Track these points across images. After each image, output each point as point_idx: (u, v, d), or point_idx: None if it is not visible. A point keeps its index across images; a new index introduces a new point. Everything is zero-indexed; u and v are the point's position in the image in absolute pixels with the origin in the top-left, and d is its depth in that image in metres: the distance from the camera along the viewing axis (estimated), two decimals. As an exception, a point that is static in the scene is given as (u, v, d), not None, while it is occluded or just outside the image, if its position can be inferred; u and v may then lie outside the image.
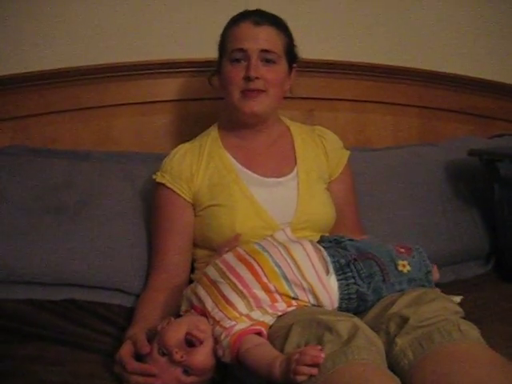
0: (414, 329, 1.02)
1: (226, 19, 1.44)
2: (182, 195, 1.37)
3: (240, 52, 1.34)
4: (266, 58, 1.34)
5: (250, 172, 1.38)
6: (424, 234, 1.67)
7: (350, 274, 1.12)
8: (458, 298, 1.31)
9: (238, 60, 1.35)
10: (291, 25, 1.46)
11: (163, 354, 1.05)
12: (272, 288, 1.08)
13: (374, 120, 1.94)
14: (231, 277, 1.08)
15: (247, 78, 1.32)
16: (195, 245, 1.39)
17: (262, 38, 1.34)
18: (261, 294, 1.07)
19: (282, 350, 1.00)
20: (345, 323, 1.00)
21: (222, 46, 1.41)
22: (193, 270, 1.40)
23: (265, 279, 1.08)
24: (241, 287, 1.07)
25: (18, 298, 1.36)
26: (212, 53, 1.46)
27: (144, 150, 1.74)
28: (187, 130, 1.75)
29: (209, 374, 1.07)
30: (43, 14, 1.71)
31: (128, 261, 1.47)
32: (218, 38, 1.44)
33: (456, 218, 1.73)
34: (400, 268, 1.15)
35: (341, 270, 1.13)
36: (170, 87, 1.76)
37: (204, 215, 1.35)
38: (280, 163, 1.41)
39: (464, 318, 1.08)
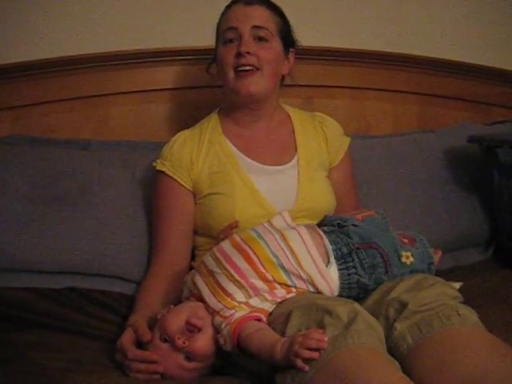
0: (413, 314, 1.02)
1: (223, 6, 1.43)
2: (182, 183, 1.37)
3: (232, 31, 1.34)
4: (259, 36, 1.34)
5: (249, 160, 1.38)
6: (424, 221, 1.67)
7: (351, 263, 1.11)
8: (457, 285, 1.31)
9: (230, 40, 1.35)
10: (289, 12, 1.45)
11: (165, 341, 1.05)
12: (270, 277, 1.08)
13: (373, 107, 1.93)
14: (228, 266, 1.08)
15: (239, 55, 1.32)
16: (195, 232, 1.39)
17: (253, 15, 1.35)
18: (258, 283, 1.07)
19: (282, 335, 1.00)
20: (344, 307, 1.01)
21: (217, 31, 1.41)
22: (193, 257, 1.40)
23: (262, 269, 1.07)
24: (238, 277, 1.07)
25: (19, 287, 1.37)
26: (210, 40, 1.46)
27: (143, 139, 1.74)
28: (186, 118, 1.75)
29: (210, 360, 1.07)
30: (41, 4, 1.71)
31: (128, 249, 1.47)
32: (215, 26, 1.44)
33: (455, 204, 1.73)
34: (403, 260, 1.15)
35: (342, 259, 1.11)
36: (168, 75, 1.76)
37: (204, 203, 1.35)
38: (280, 151, 1.41)
39: (463, 303, 1.09)
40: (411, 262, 1.15)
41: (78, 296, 1.37)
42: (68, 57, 1.67)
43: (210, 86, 1.64)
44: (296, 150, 1.42)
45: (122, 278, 1.45)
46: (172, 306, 1.13)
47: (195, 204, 1.38)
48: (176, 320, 1.05)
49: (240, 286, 1.06)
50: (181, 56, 1.75)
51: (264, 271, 1.07)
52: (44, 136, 1.67)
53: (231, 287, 1.06)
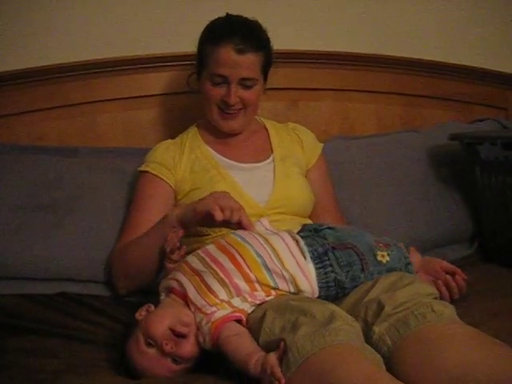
0: (390, 315, 1.04)
1: (211, 13, 1.45)
2: (165, 179, 1.41)
3: (220, 77, 1.37)
4: (245, 84, 1.38)
5: (228, 160, 1.44)
6: (408, 219, 1.70)
7: (327, 262, 1.14)
8: (441, 280, 1.34)
9: (218, 82, 1.38)
10: (273, 16, 1.47)
11: (149, 345, 1.06)
12: (253, 278, 1.10)
13: (357, 108, 1.96)
14: (213, 266, 1.11)
15: (226, 103, 1.38)
16: None
17: (243, 66, 1.36)
18: (241, 284, 1.09)
19: (257, 337, 1.03)
20: (319, 307, 1.03)
21: (201, 58, 1.42)
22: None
23: (246, 269, 1.10)
24: (222, 276, 1.09)
25: (11, 293, 1.38)
26: (196, 47, 1.47)
27: (131, 145, 1.75)
28: (174, 123, 1.77)
29: (196, 359, 1.09)
30: (28, 12, 1.71)
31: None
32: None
33: (439, 202, 1.76)
34: (379, 258, 1.17)
35: (318, 259, 1.14)
36: (155, 82, 1.77)
37: (186, 201, 1.38)
38: (257, 152, 1.47)
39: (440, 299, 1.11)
40: (387, 261, 1.18)
41: (69, 301, 1.38)
42: (54, 65, 1.68)
43: (197, 92, 1.66)
44: (272, 151, 1.47)
45: (113, 284, 1.46)
46: (151, 305, 1.13)
47: (176, 204, 1.40)
48: (159, 326, 1.06)
49: (224, 285, 1.09)
50: (168, 62, 1.77)
51: (248, 271, 1.10)
52: (32, 144, 1.67)
53: (216, 285, 1.09)
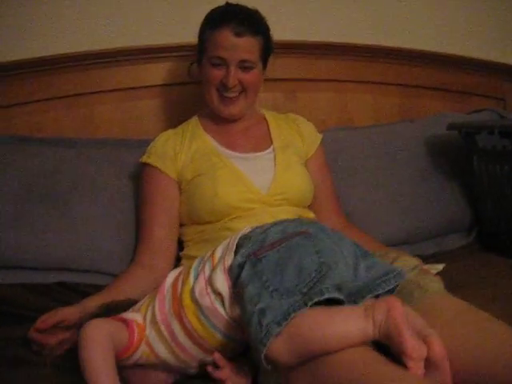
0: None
1: (209, 4, 1.45)
2: (167, 172, 1.41)
3: (219, 59, 1.38)
4: (244, 66, 1.39)
5: (229, 150, 1.44)
6: (406, 209, 1.70)
7: None
8: (440, 266, 1.35)
9: (217, 64, 1.39)
10: (271, 6, 1.47)
11: None
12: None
13: (354, 99, 1.96)
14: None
15: (225, 85, 1.39)
16: (182, 224, 1.41)
17: (241, 48, 1.37)
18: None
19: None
20: None
21: (201, 44, 1.43)
22: (182, 248, 1.42)
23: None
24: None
25: (10, 283, 1.39)
26: (194, 37, 1.47)
27: (128, 136, 1.75)
28: (172, 114, 1.77)
29: None
30: (26, 3, 1.71)
31: (116, 245, 1.49)
32: (199, 23, 1.45)
33: (437, 192, 1.76)
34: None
35: None
36: (152, 72, 1.77)
37: (189, 189, 1.39)
38: (257, 142, 1.48)
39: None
40: None
41: (67, 290, 1.38)
42: (52, 56, 1.68)
43: (195, 83, 1.66)
44: (272, 142, 1.48)
45: (112, 274, 1.46)
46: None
47: (181, 193, 1.41)
48: None
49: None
50: (165, 53, 1.76)
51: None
52: (29, 135, 1.67)
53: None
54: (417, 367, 0.84)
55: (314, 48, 1.90)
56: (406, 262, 1.13)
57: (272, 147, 1.46)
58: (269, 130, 1.51)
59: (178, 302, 1.03)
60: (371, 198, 1.70)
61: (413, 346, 0.84)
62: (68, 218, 1.48)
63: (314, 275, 0.92)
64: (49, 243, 1.45)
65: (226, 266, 1.02)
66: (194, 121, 1.51)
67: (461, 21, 2.13)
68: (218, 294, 1.00)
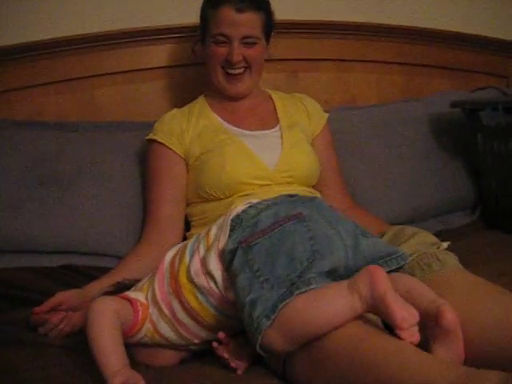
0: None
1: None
2: (173, 148, 1.41)
3: (222, 37, 1.38)
4: (247, 42, 1.39)
5: (236, 128, 1.44)
6: (410, 188, 1.70)
7: None
8: (445, 244, 1.34)
9: (221, 41, 1.39)
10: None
11: None
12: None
13: (357, 79, 1.95)
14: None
15: (229, 62, 1.39)
16: (189, 203, 1.41)
17: (243, 24, 1.37)
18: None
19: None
20: None
21: (204, 24, 1.44)
22: (188, 228, 1.42)
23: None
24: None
25: (15, 266, 1.39)
26: (195, 18, 1.47)
27: (131, 119, 1.74)
28: (174, 96, 1.76)
29: None
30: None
31: (121, 227, 1.50)
32: (200, 3, 1.44)
33: (442, 169, 1.76)
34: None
35: None
36: (154, 55, 1.76)
37: (196, 165, 1.39)
38: (263, 121, 1.47)
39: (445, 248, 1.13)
40: None
41: (73, 272, 1.39)
42: (52, 39, 1.66)
43: (196, 64, 1.65)
44: (278, 120, 1.47)
45: (118, 256, 1.46)
46: None
47: (189, 170, 1.41)
48: None
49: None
50: (166, 35, 1.75)
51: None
52: (31, 119, 1.67)
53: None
54: (409, 335, 0.84)
55: (316, 27, 1.88)
56: (426, 238, 1.14)
57: (279, 126, 1.46)
58: (275, 108, 1.50)
59: (176, 281, 1.04)
60: (375, 178, 1.70)
61: (402, 317, 0.84)
62: (72, 201, 1.48)
63: (305, 264, 0.92)
64: (53, 226, 1.45)
65: (220, 249, 1.02)
66: (201, 100, 1.50)
67: (464, -1, 2.11)
68: (212, 276, 1.01)
